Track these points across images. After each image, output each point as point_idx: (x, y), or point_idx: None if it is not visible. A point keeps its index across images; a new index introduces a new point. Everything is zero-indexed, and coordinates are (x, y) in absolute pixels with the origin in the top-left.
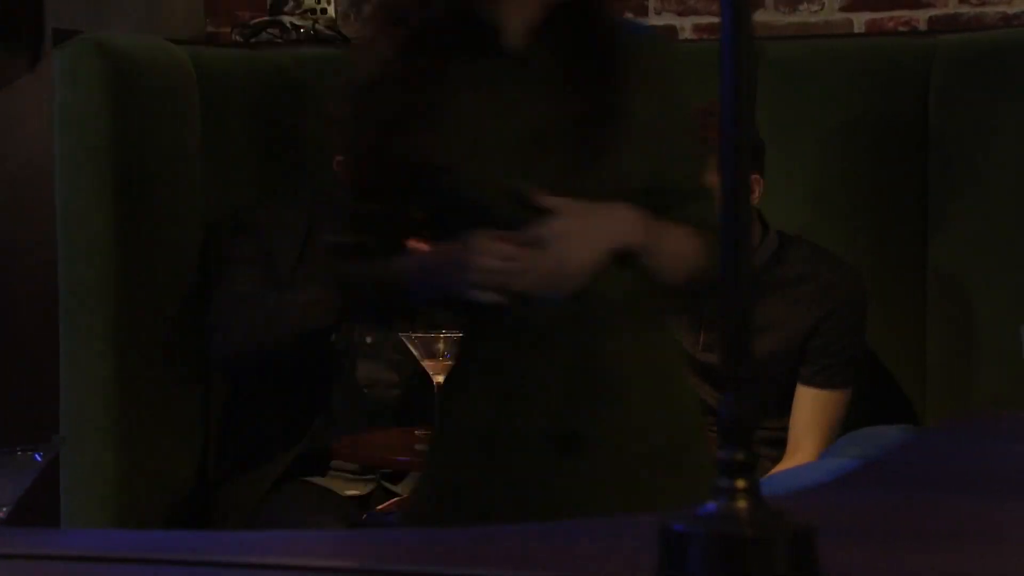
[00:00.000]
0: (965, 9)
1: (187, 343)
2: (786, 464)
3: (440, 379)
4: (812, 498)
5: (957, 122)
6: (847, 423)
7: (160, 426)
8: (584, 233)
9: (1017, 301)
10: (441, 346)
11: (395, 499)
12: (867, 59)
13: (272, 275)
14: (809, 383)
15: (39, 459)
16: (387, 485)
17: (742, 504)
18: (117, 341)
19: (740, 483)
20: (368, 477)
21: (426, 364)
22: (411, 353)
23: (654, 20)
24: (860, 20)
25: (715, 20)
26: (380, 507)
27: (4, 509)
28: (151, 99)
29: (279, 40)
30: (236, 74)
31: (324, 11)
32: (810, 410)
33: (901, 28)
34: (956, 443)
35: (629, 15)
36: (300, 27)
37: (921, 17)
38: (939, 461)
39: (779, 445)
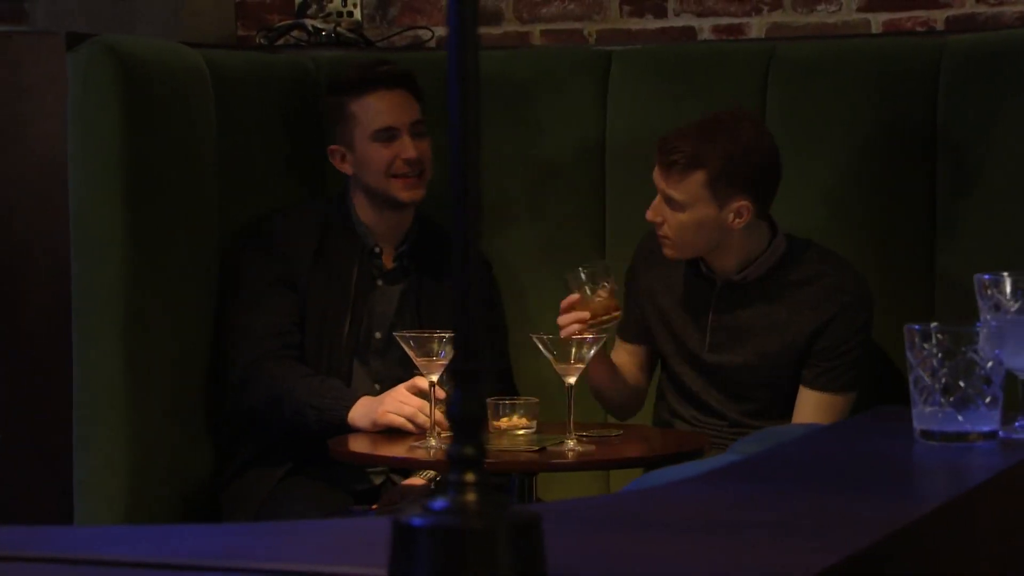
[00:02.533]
0: (983, 9)
1: (199, 342)
2: None
3: (434, 378)
4: (654, 493)
5: (966, 122)
6: None
7: (171, 424)
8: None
9: None
10: (435, 345)
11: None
12: (876, 59)
13: (289, 283)
14: (811, 386)
15: None
16: (395, 478)
17: (470, 497)
18: (129, 340)
19: (469, 477)
20: (377, 470)
21: (419, 362)
22: None
23: (673, 21)
24: (877, 20)
25: (734, 21)
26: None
27: None
28: (164, 101)
29: (304, 43)
30: (253, 77)
31: (351, 14)
32: (811, 413)
33: (919, 28)
34: (840, 440)
35: (649, 16)
36: (322, 30)
37: (939, 17)
38: (809, 457)
39: None
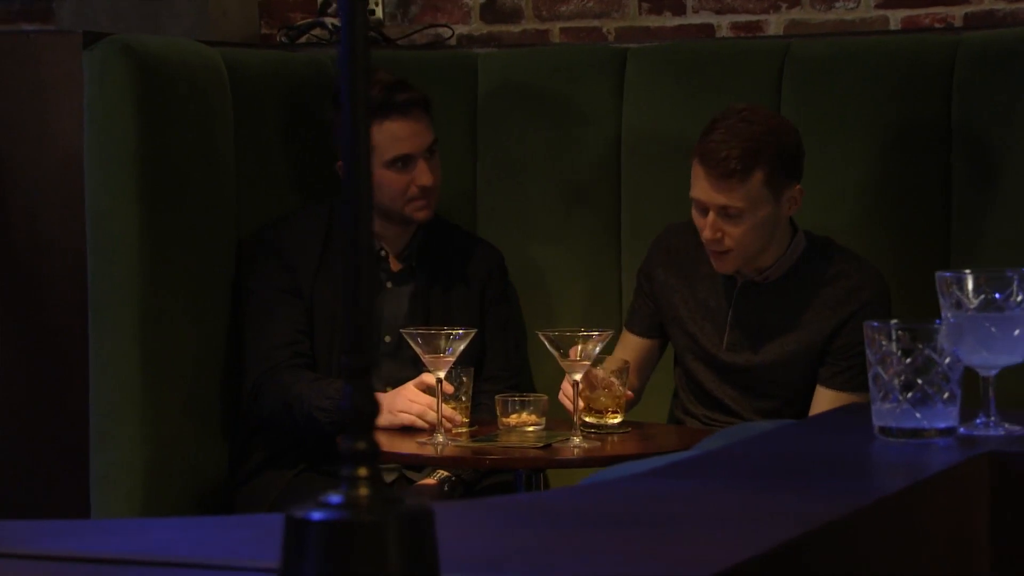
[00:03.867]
0: (1001, 5)
1: (216, 341)
2: None
3: (441, 374)
4: (594, 489)
5: (981, 119)
6: None
7: (187, 422)
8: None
9: None
10: (443, 342)
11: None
12: (890, 57)
13: (296, 293)
14: (828, 385)
15: None
16: (408, 474)
17: (363, 492)
18: (144, 338)
19: (362, 471)
20: (390, 466)
21: (427, 359)
22: None
23: (692, 18)
24: (896, 17)
25: (752, 18)
26: None
27: None
28: (180, 99)
29: (326, 41)
30: (271, 75)
31: (372, 12)
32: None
33: (936, 25)
34: (799, 436)
35: (668, 13)
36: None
37: (957, 14)
38: (763, 453)
39: None
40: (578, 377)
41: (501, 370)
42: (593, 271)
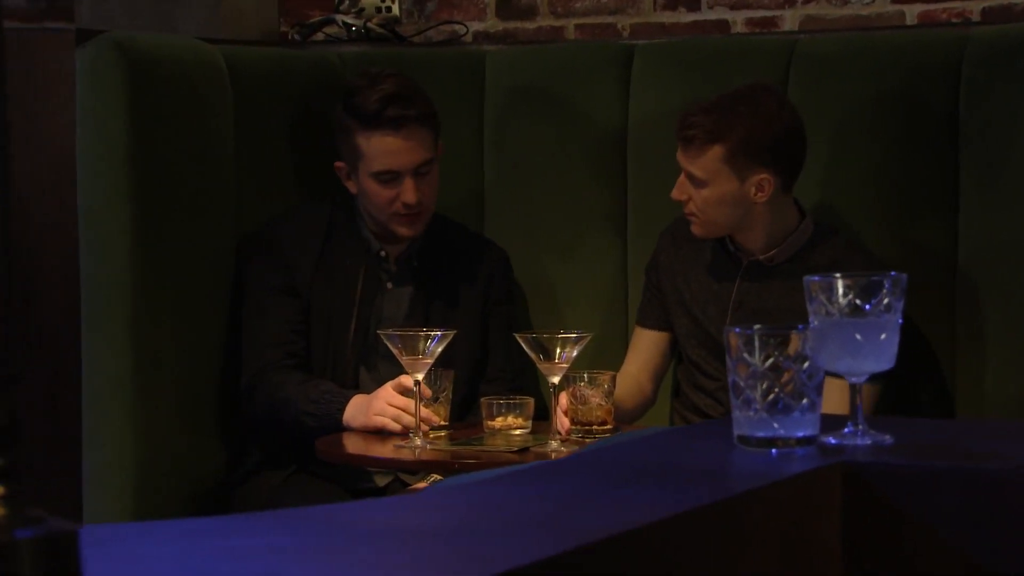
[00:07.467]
0: None
1: (209, 342)
2: None
3: (419, 376)
4: (414, 497)
5: (989, 114)
6: None
7: (179, 421)
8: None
9: None
10: (421, 344)
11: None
12: (898, 52)
13: (292, 291)
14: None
15: None
16: (404, 477)
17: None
18: (136, 337)
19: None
20: (383, 470)
21: (405, 361)
22: None
23: (707, 14)
24: (912, 12)
25: (768, 14)
26: None
27: None
28: (173, 97)
29: (339, 39)
30: (275, 73)
31: (389, 9)
32: (837, 402)
33: (953, 20)
34: (660, 445)
35: (682, 9)
36: (352, 26)
37: (974, 8)
38: (612, 460)
39: None
40: (556, 380)
41: (503, 371)
42: (599, 271)
